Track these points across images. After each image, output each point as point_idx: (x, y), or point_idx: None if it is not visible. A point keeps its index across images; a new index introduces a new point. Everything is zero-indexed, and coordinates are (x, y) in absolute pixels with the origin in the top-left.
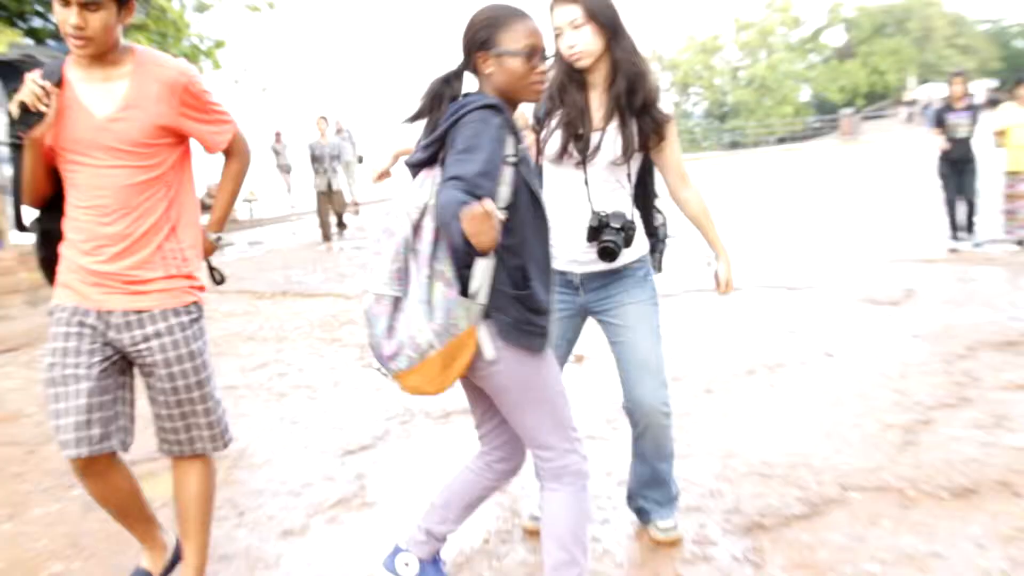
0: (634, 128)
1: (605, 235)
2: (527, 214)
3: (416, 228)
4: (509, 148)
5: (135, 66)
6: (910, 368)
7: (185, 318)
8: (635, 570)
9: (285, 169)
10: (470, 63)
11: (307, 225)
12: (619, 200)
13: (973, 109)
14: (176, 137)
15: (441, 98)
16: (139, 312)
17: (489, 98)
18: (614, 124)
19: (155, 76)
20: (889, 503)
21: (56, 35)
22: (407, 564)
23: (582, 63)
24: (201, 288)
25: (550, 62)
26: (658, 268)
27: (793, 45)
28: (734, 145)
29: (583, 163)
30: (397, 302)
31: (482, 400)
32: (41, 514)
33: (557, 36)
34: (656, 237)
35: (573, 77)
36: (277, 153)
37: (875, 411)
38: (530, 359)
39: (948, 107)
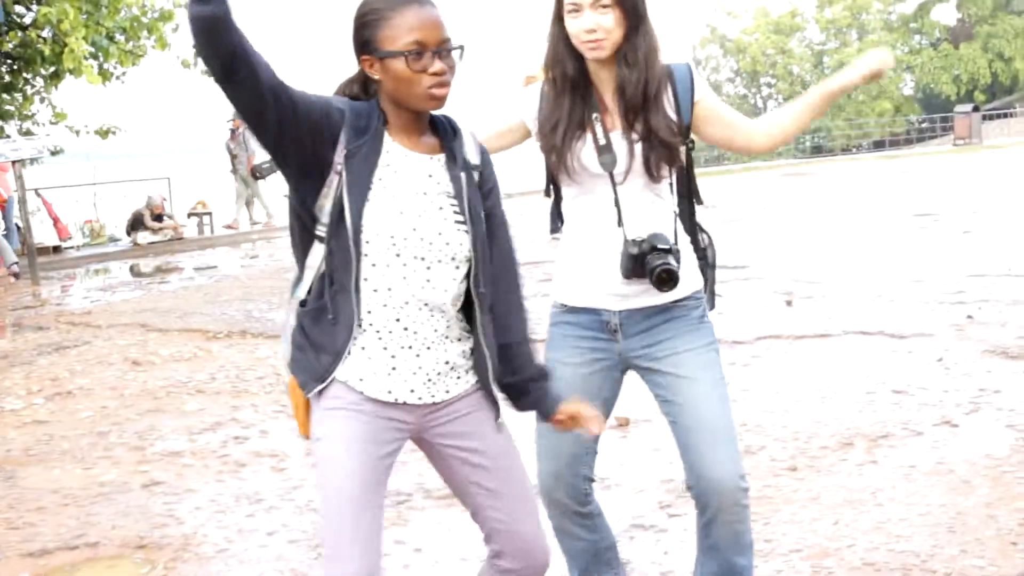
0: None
1: (654, 260)
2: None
3: None
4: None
5: None
6: None
7: None
8: None
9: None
10: (361, 70)
11: (273, 246)
12: (658, 217)
13: None
14: None
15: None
16: None
17: None
18: (638, 127)
19: None
20: None
21: None
22: None
23: (598, 54)
24: None
25: (458, 54)
26: (710, 304)
27: (893, 24)
28: (817, 150)
29: (611, 178)
30: None
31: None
32: None
33: (571, 12)
34: (704, 261)
35: (579, 70)
36: (233, 156)
37: (1015, 499)
38: (318, 422)
39: None
